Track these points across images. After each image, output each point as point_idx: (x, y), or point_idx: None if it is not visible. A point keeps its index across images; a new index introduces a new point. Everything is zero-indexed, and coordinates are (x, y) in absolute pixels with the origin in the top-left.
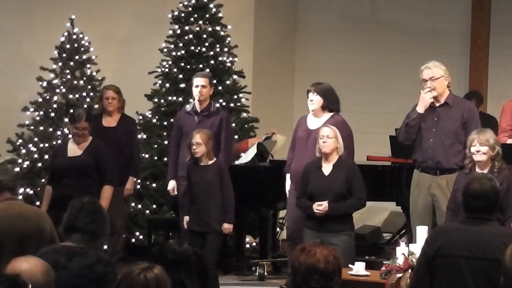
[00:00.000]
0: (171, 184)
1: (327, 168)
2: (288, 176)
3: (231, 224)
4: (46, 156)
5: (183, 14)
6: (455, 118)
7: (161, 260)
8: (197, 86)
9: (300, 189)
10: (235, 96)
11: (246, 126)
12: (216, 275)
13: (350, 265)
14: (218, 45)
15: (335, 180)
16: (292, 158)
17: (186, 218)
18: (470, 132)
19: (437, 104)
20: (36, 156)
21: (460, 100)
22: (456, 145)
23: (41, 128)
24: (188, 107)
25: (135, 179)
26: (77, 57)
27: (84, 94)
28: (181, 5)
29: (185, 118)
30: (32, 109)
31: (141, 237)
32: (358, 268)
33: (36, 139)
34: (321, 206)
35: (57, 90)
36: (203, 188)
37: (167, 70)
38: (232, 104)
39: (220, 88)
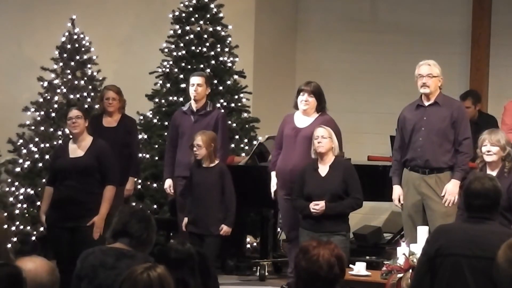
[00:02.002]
0: (168, 183)
1: (323, 169)
2: (273, 174)
3: (230, 228)
4: (47, 156)
5: (183, 14)
6: (444, 117)
7: (164, 259)
8: (193, 85)
9: (296, 190)
10: (236, 96)
11: (246, 126)
12: (215, 276)
13: (351, 265)
14: (218, 45)
15: (332, 181)
16: (277, 156)
17: (185, 220)
18: (459, 132)
19: (427, 104)
20: (37, 156)
21: (449, 99)
22: (445, 144)
23: (42, 128)
24: (184, 107)
25: (135, 179)
26: (78, 57)
27: (85, 94)
28: (181, 5)
29: (181, 117)
30: (33, 109)
31: None
32: (359, 268)
33: (37, 139)
34: (318, 206)
35: (58, 90)
36: (204, 190)
37: (167, 70)
38: (232, 104)
39: (220, 88)
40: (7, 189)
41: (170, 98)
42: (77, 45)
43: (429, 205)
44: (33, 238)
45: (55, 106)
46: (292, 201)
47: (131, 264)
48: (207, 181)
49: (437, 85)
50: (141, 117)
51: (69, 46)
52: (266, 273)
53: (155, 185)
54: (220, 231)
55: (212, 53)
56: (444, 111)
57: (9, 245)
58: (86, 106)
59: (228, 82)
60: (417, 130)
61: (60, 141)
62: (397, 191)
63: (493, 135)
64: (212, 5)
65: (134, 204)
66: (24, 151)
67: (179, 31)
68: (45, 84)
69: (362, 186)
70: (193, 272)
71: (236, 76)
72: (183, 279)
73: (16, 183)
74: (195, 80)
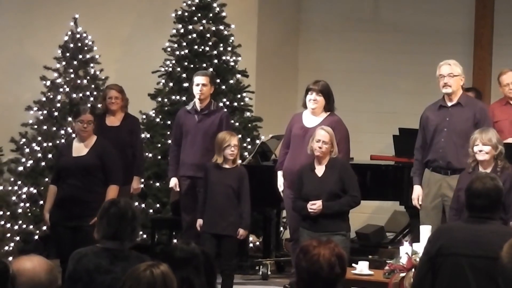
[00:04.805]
0: (173, 181)
1: (320, 170)
2: (280, 173)
3: (246, 231)
4: (50, 155)
5: (186, 14)
6: (467, 118)
7: (168, 258)
8: (197, 85)
9: (295, 191)
10: (239, 96)
11: (249, 125)
12: (231, 275)
13: (353, 265)
14: (221, 45)
15: (328, 181)
16: (285, 155)
17: (200, 222)
18: None
19: (450, 104)
20: (39, 155)
21: (472, 100)
22: (467, 145)
23: (45, 127)
24: (188, 106)
25: (140, 179)
26: (80, 56)
27: (88, 93)
28: (184, 4)
29: (185, 117)
30: (35, 108)
31: (144, 236)
32: (362, 268)
33: (39, 138)
34: (315, 205)
35: (61, 89)
36: (222, 190)
37: (170, 69)
38: (235, 104)
39: (223, 87)
40: (10, 188)
41: (173, 97)
42: (79, 44)
43: (449, 206)
44: (36, 237)
45: (58, 105)
46: (292, 203)
47: (126, 266)
48: (228, 181)
49: (459, 84)
50: (144, 116)
51: (71, 45)
52: (269, 272)
53: (157, 184)
54: (237, 235)
55: (215, 52)
56: (467, 112)
57: (11, 244)
58: (89, 105)
59: (231, 82)
60: (440, 131)
61: (63, 140)
62: (417, 191)
63: (484, 134)
64: (214, 4)
65: (136, 203)
66: (27, 150)
67: (182, 30)
68: (48, 83)
69: (365, 186)
70: (198, 271)
71: (238, 76)
72: (188, 278)
73: (19, 182)
74: (200, 80)
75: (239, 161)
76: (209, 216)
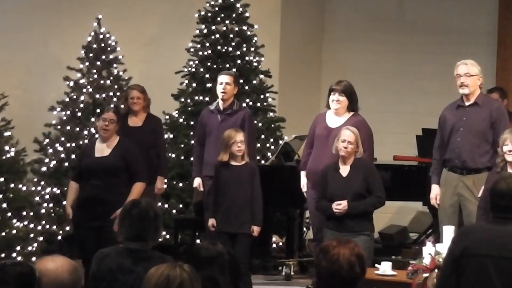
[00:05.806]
0: (197, 181)
1: (345, 170)
2: (303, 173)
3: (260, 227)
4: (73, 156)
5: (209, 14)
6: (483, 118)
7: (194, 257)
8: (221, 83)
9: (319, 192)
10: (262, 96)
11: (272, 125)
12: (248, 273)
13: (376, 265)
14: (244, 45)
15: (353, 181)
16: (308, 155)
17: (213, 221)
18: (498, 132)
19: (467, 103)
20: (63, 155)
21: (489, 99)
22: (483, 145)
23: (68, 127)
24: (211, 106)
25: (163, 179)
26: (104, 56)
27: (111, 93)
28: (207, 4)
29: (208, 116)
30: (59, 109)
31: (167, 236)
32: (385, 268)
33: (63, 138)
34: (340, 206)
35: (84, 90)
36: (235, 188)
37: (193, 69)
38: (258, 104)
39: (246, 87)
40: (33, 188)
41: (196, 97)
42: (103, 45)
43: (466, 206)
44: (59, 237)
45: (81, 105)
46: (316, 203)
47: (149, 266)
48: (240, 179)
49: (477, 84)
50: (167, 117)
51: (95, 46)
52: (292, 273)
53: (181, 184)
54: (252, 232)
55: (238, 52)
56: (484, 112)
57: (35, 244)
58: (112, 105)
59: (254, 82)
60: (456, 130)
61: (86, 141)
62: (435, 190)
63: None
64: (238, 5)
65: (159, 204)
66: (50, 150)
67: (205, 31)
68: (71, 83)
69: (388, 186)
70: (223, 270)
71: (262, 76)
72: (212, 276)
73: (42, 183)
74: (224, 78)
75: (262, 161)
76: (223, 215)
